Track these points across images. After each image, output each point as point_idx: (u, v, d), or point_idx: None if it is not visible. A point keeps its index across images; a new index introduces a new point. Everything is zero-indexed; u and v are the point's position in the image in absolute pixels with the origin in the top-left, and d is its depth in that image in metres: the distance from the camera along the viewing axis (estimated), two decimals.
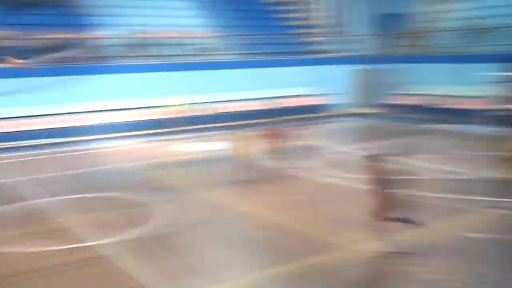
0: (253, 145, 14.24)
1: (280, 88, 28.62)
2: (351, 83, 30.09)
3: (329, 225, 10.39)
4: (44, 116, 23.11)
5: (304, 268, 8.33)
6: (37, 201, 12.88)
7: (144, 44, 26.95)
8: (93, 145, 21.36)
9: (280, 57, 29.25)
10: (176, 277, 8.28)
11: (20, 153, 19.84)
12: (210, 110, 26.07)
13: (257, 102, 28.33)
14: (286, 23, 32.10)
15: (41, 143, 21.57)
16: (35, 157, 19.33)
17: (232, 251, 9.49)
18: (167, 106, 24.17)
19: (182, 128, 23.66)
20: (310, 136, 17.73)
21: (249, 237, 10.13)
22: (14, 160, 18.81)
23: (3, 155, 19.51)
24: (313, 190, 13.28)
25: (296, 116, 25.32)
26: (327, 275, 8.13)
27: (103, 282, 8.27)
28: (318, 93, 28.67)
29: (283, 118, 22.79)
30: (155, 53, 27.07)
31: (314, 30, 32.39)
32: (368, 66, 30.02)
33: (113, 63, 25.81)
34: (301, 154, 15.85)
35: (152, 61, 26.56)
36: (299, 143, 15.91)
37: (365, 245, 9.02)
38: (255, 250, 9.51)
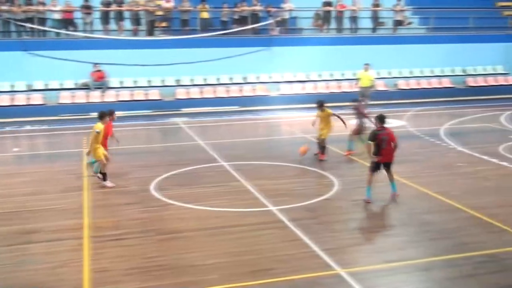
0: None
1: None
2: None
3: None
4: (229, 85, 24.28)
5: None
6: (221, 164, 13.54)
7: (332, 17, 26.63)
8: (271, 115, 21.99)
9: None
10: (342, 251, 8.10)
11: (203, 119, 21.13)
12: (394, 85, 25.55)
13: (445, 79, 26.81)
14: None
15: (222, 110, 22.78)
16: (216, 124, 20.51)
17: None
18: (355, 79, 23.48)
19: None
20: None
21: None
22: (197, 125, 19.99)
23: (189, 119, 20.95)
24: None
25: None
26: None
27: (278, 245, 8.33)
28: None
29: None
30: (346, 26, 26.71)
31: None
32: None
33: (300, 35, 26.02)
34: None
35: (338, 35, 26.28)
36: None
37: None
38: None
